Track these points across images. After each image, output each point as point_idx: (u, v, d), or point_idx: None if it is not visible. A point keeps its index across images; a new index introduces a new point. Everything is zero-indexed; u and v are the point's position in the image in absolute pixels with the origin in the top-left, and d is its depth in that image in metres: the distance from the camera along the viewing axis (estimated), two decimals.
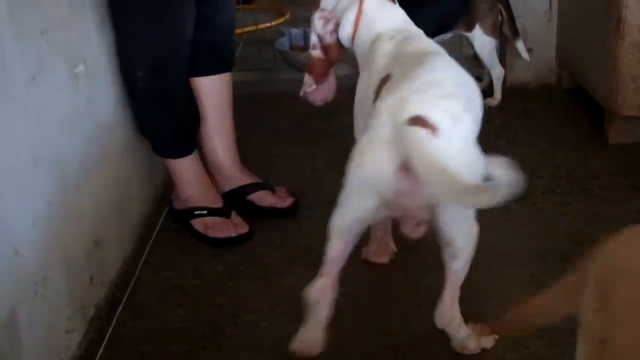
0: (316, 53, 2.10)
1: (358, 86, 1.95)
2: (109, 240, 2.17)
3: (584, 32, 3.21)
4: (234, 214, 2.43)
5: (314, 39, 2.08)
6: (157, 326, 2.03)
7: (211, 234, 2.38)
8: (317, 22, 2.06)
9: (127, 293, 2.17)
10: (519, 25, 3.41)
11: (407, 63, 1.72)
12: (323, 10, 2.06)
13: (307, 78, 2.15)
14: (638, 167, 2.72)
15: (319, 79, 2.13)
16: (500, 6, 3.30)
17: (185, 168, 2.42)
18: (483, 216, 2.31)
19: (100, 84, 2.19)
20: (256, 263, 2.28)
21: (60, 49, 1.89)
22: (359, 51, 2.00)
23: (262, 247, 2.36)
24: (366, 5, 1.97)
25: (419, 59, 1.71)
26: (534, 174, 2.65)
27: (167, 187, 2.60)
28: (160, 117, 2.35)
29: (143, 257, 2.35)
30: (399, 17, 1.99)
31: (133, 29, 2.23)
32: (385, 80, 1.71)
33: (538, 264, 2.18)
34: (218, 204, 2.44)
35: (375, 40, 1.91)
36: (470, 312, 1.95)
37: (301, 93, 2.17)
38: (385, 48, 1.85)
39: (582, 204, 2.48)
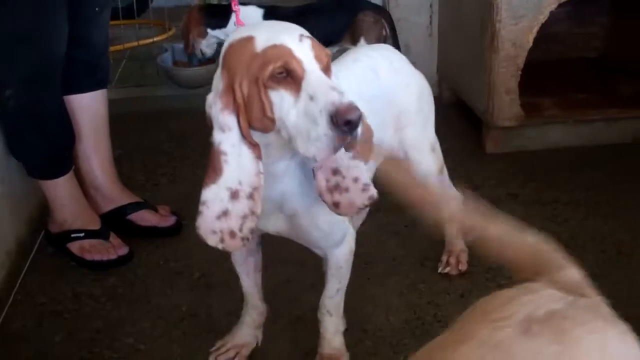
0: None
1: None
2: None
3: (462, 46, 3.30)
4: (112, 236, 2.36)
5: None
6: (32, 353, 1.96)
7: (89, 256, 2.31)
8: None
9: (1, 320, 2.08)
10: (401, 41, 3.47)
11: None
12: None
13: None
14: (513, 176, 2.81)
15: None
16: (383, 21, 3.36)
17: (60, 189, 2.33)
18: (366, 226, 2.36)
19: None
20: (136, 285, 2.22)
21: None
22: None
23: (143, 268, 2.30)
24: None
25: None
26: None
27: (43, 209, 2.50)
28: (31, 138, 2.26)
29: (17, 283, 2.25)
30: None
31: (2, 47, 2.14)
32: None
33: (418, 272, 2.22)
34: (96, 225, 2.37)
35: None
36: (353, 318, 1.97)
37: None
38: None
39: None
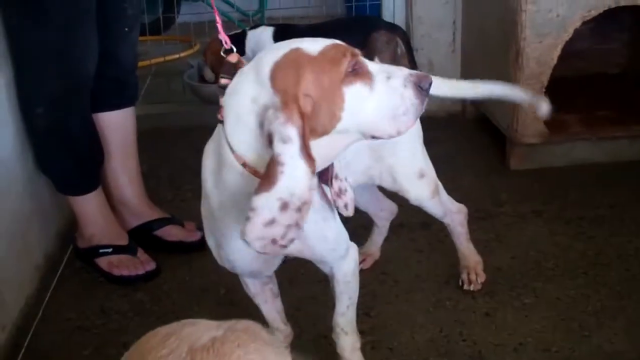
0: None
1: None
2: (9, 282, 2.10)
3: (486, 63, 3.31)
4: (140, 251, 2.39)
5: None
6: None
7: (117, 272, 2.34)
8: None
9: (30, 336, 2.11)
10: (424, 57, 3.49)
11: None
12: None
13: None
14: (538, 193, 2.81)
15: None
16: (398, 39, 3.37)
17: (88, 205, 2.37)
18: (390, 245, 2.37)
19: None
20: (163, 300, 2.25)
21: None
22: None
23: (170, 283, 2.33)
24: None
25: None
26: None
27: (72, 224, 2.53)
28: (60, 155, 2.30)
29: (46, 298, 2.28)
30: None
31: (33, 65, 2.18)
32: None
33: (443, 290, 2.23)
34: (123, 241, 2.40)
35: None
36: (378, 335, 1.98)
37: None
38: None
39: (486, 230, 2.54)
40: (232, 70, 1.54)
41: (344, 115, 1.35)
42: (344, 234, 1.67)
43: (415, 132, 1.99)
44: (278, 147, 1.33)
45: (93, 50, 2.24)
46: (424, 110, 1.40)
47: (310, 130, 1.35)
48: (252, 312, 2.10)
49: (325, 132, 1.37)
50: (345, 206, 1.54)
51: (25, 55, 2.18)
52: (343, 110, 1.35)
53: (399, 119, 1.37)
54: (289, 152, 1.33)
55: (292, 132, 1.32)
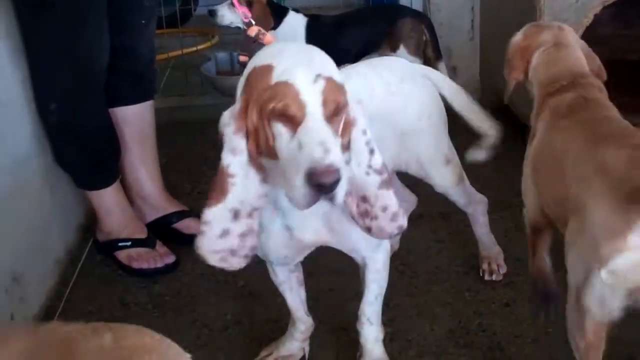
0: None
1: None
2: (30, 275, 2.11)
3: (505, 50, 3.26)
4: (159, 244, 2.40)
5: None
6: None
7: (136, 265, 2.35)
8: None
9: None
10: (442, 45, 3.47)
11: None
12: None
13: None
14: None
15: None
16: (423, 27, 3.36)
17: (106, 199, 2.38)
18: (409, 236, 2.35)
19: (14, 116, 2.15)
20: (182, 293, 2.25)
21: None
22: None
23: (188, 276, 2.33)
24: None
25: None
26: None
27: (91, 218, 2.55)
28: (75, 150, 2.31)
29: (67, 291, 2.30)
30: None
31: (44, 62, 2.19)
32: None
33: (462, 281, 2.22)
34: (142, 234, 2.41)
35: None
36: (397, 327, 1.98)
37: None
38: None
39: (506, 220, 2.51)
40: (251, 46, 1.57)
41: (276, 148, 1.32)
42: None
43: (441, 119, 2.01)
44: (227, 158, 1.35)
45: (104, 45, 2.24)
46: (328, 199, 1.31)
47: (258, 150, 1.35)
48: (269, 303, 2.13)
49: (272, 157, 1.35)
50: (368, 229, 1.51)
51: (37, 52, 2.19)
52: (275, 144, 1.32)
53: (291, 190, 1.31)
54: (239, 163, 1.35)
55: (241, 143, 1.34)
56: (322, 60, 1.37)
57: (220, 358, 1.96)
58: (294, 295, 1.83)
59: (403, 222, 1.53)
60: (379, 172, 1.46)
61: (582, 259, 1.41)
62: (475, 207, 2.16)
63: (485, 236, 2.21)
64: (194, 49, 4.23)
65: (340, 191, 1.30)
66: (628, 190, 1.31)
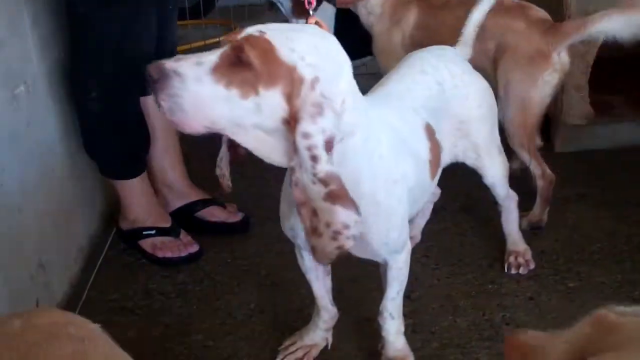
0: None
1: None
2: (54, 263, 2.13)
3: None
4: (183, 233, 2.41)
5: None
6: None
7: (160, 254, 2.36)
8: None
9: None
10: None
11: None
12: None
13: None
14: (582, 176, 2.76)
15: None
16: None
17: (133, 188, 2.38)
18: (432, 228, 2.35)
19: (41, 104, 2.15)
20: (205, 282, 2.26)
21: None
22: None
23: (212, 265, 2.34)
24: None
25: None
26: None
27: (114, 206, 2.56)
28: (111, 140, 2.31)
29: (90, 279, 2.31)
30: None
31: (92, 52, 2.19)
32: None
33: (485, 274, 2.21)
34: (166, 223, 2.42)
35: None
36: (420, 319, 1.98)
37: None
38: None
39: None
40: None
41: None
42: (405, 232, 1.67)
43: (494, 109, 2.03)
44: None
45: (152, 35, 2.25)
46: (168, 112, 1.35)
47: None
48: (292, 293, 2.13)
49: None
50: (313, 249, 1.39)
51: (84, 43, 2.19)
52: None
53: None
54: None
55: None
56: (293, 33, 1.37)
57: (243, 347, 1.97)
58: (320, 284, 1.83)
59: (344, 242, 1.35)
60: (323, 182, 1.32)
61: None
62: (510, 201, 2.16)
63: (515, 231, 2.21)
64: (217, 40, 4.22)
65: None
66: None
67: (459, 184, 2.41)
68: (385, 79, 1.88)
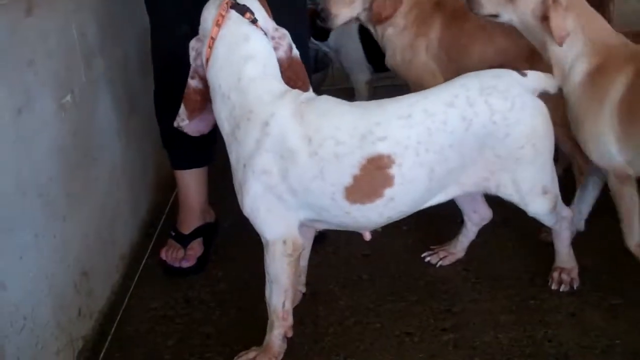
0: (193, 83, 1.87)
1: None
2: (97, 271, 2.15)
3: None
4: (194, 245, 2.42)
5: (192, 67, 1.87)
6: (145, 357, 2.02)
7: (162, 255, 2.42)
8: (190, 52, 1.85)
9: (115, 324, 2.16)
10: None
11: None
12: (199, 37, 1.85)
13: (182, 110, 1.91)
14: None
15: (193, 114, 1.90)
16: None
17: (200, 175, 2.44)
18: (472, 242, 2.33)
19: (87, 114, 2.18)
20: (245, 291, 2.26)
21: (47, 80, 1.88)
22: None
23: (251, 274, 2.33)
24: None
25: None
26: None
27: (155, 215, 2.58)
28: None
29: (132, 287, 2.33)
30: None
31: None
32: None
33: (527, 289, 2.19)
34: (186, 230, 2.45)
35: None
36: (462, 334, 1.98)
37: (175, 124, 1.93)
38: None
39: None
40: None
41: None
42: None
43: (547, 148, 1.92)
44: None
45: None
46: None
47: None
48: (332, 305, 2.12)
49: None
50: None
51: (164, 39, 2.28)
52: None
53: None
54: None
55: None
56: None
57: (283, 357, 1.96)
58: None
59: None
60: None
61: None
62: (561, 223, 2.11)
63: (565, 249, 2.16)
64: None
65: None
66: None
67: (499, 197, 2.39)
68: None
